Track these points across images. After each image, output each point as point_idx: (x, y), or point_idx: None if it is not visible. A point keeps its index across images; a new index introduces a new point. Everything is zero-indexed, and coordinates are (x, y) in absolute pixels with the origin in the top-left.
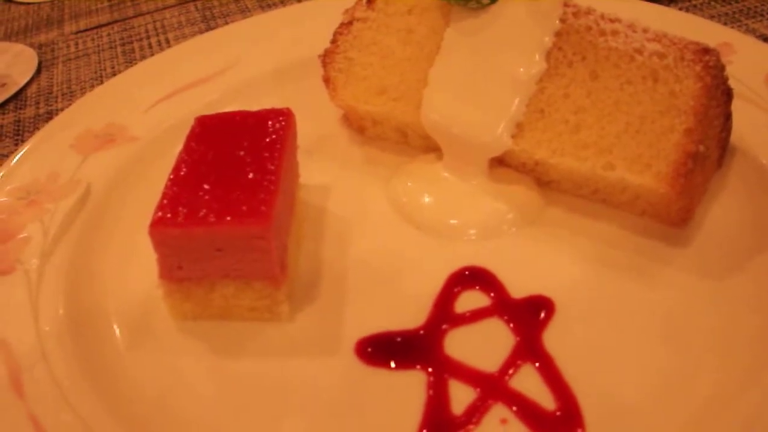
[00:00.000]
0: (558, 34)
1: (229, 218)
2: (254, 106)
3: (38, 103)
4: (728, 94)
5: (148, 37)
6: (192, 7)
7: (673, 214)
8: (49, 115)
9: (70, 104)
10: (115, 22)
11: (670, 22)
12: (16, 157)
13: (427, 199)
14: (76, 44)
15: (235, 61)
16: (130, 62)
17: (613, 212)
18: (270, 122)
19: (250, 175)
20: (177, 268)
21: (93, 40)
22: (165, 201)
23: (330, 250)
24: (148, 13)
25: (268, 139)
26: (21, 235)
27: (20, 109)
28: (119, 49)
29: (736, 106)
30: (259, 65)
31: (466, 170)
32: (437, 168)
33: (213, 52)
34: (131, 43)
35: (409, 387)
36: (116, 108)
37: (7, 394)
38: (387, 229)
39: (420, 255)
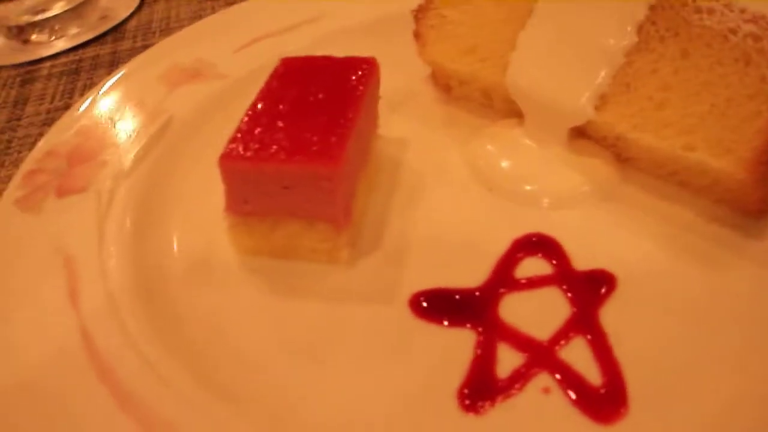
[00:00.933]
0: (652, 8)
1: (298, 157)
2: (342, 55)
3: (136, 37)
4: None
5: None
6: None
7: (751, 204)
8: (145, 50)
9: None
10: None
11: None
12: (106, 85)
13: (504, 164)
14: None
15: (331, 9)
16: (231, 4)
17: (690, 197)
18: (353, 69)
19: (326, 118)
20: (243, 202)
21: None
22: (238, 135)
23: (400, 202)
24: None
25: (349, 86)
26: (100, 158)
27: (118, 41)
28: None
29: None
30: (352, 16)
31: (545, 138)
32: (517, 134)
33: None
34: None
35: (457, 344)
36: (208, 46)
37: (63, 303)
38: (459, 188)
39: (488, 217)
